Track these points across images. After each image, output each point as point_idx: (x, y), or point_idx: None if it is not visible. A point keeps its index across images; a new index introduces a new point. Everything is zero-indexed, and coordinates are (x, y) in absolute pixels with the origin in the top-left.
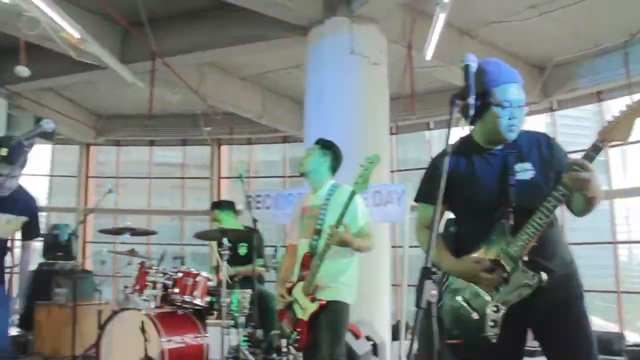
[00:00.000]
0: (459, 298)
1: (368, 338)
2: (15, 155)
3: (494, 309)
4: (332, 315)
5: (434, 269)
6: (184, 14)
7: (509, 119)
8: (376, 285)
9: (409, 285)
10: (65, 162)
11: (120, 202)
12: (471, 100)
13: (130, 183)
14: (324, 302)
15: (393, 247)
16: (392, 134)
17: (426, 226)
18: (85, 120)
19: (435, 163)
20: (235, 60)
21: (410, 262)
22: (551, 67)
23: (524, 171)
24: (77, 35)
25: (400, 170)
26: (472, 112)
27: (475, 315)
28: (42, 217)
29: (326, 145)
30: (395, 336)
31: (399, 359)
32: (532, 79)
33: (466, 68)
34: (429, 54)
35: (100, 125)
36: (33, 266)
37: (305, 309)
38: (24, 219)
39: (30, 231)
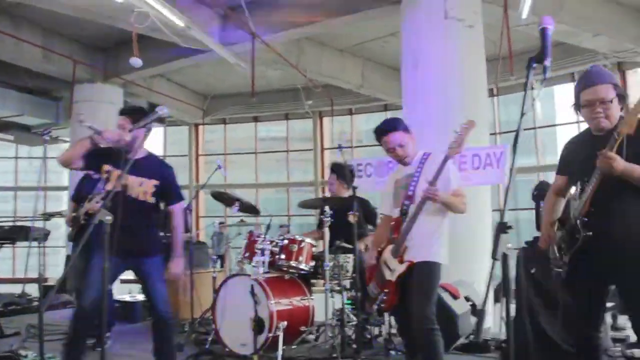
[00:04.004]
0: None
1: (467, 299)
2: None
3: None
4: (421, 276)
5: (509, 224)
6: None
7: (592, 113)
8: (477, 248)
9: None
10: (177, 142)
11: (229, 177)
12: (547, 62)
13: (238, 159)
14: (412, 263)
15: (494, 210)
16: (493, 95)
17: (554, 192)
18: (192, 101)
19: (566, 146)
20: (333, 33)
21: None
22: None
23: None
24: (182, 24)
25: (503, 133)
26: (547, 74)
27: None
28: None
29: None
30: (497, 298)
31: (500, 320)
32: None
33: (543, 31)
34: (525, 12)
35: (206, 105)
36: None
37: (393, 270)
38: (154, 182)
39: (166, 196)
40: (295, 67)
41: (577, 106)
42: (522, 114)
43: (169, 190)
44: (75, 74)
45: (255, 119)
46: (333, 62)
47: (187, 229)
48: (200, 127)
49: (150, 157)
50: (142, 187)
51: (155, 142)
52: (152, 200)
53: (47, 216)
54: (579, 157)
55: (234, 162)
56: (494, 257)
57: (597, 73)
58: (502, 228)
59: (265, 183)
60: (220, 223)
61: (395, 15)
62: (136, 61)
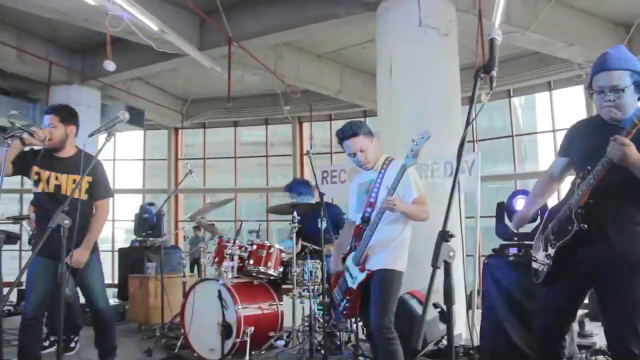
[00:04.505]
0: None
1: (435, 305)
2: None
3: (550, 244)
4: (378, 285)
5: (450, 232)
6: None
7: (603, 101)
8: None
9: (481, 256)
10: (157, 146)
11: (209, 181)
12: (494, 73)
13: (219, 163)
14: (372, 272)
15: (467, 217)
16: (470, 104)
17: (550, 174)
18: (172, 105)
19: (570, 127)
20: (311, 39)
21: (486, 233)
22: (638, 24)
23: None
24: (156, 28)
25: (481, 140)
26: (494, 84)
27: (542, 246)
28: (137, 196)
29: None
30: (470, 305)
31: (471, 327)
32: (616, 38)
33: (492, 42)
34: (497, 22)
35: (186, 109)
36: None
37: (355, 277)
38: (87, 178)
39: (95, 191)
40: (273, 73)
41: (590, 90)
42: (468, 124)
43: (98, 186)
44: (51, 75)
45: (235, 124)
46: (311, 67)
47: (161, 233)
48: (180, 131)
49: (80, 153)
50: (77, 185)
51: (135, 145)
52: (85, 197)
53: (15, 219)
54: (586, 144)
55: (215, 166)
56: (434, 265)
57: (614, 56)
58: (443, 236)
59: (244, 188)
60: (194, 227)
61: (373, 22)
62: (109, 64)
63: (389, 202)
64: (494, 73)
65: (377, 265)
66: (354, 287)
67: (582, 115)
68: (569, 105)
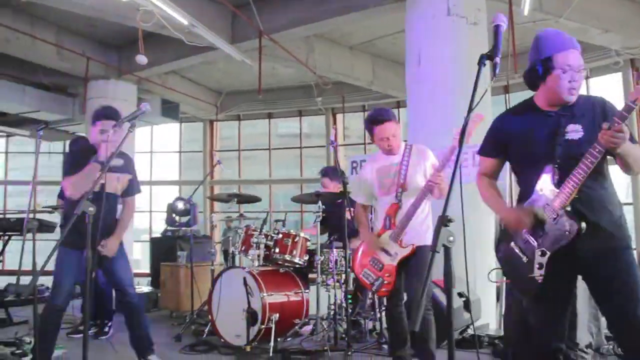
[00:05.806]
0: (512, 243)
1: (460, 294)
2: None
3: (540, 253)
4: (422, 260)
5: (450, 217)
6: None
7: (569, 81)
8: (480, 244)
9: None
10: (193, 139)
11: (245, 172)
12: (498, 60)
13: (256, 154)
14: (416, 246)
15: None
16: (506, 92)
17: (483, 173)
18: (207, 98)
19: (497, 122)
20: (342, 30)
21: None
22: None
23: (575, 132)
24: (185, 22)
25: None
26: (497, 71)
27: (524, 259)
28: (174, 187)
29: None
30: (498, 297)
31: (500, 317)
32: None
33: (496, 29)
34: (526, 10)
35: (220, 102)
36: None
37: (395, 255)
38: (128, 176)
39: (130, 188)
40: (304, 65)
41: (545, 68)
42: (470, 110)
43: (133, 183)
44: (88, 70)
45: (269, 115)
46: (343, 59)
47: (193, 223)
48: (215, 123)
49: (121, 152)
50: (120, 183)
51: (172, 138)
52: (120, 192)
53: (52, 209)
54: (539, 139)
55: (251, 157)
56: (433, 250)
57: (569, 37)
58: (443, 221)
59: (278, 179)
60: (228, 217)
61: (403, 12)
62: (141, 58)
63: (440, 180)
64: (498, 60)
65: (418, 242)
66: (394, 263)
67: (621, 103)
68: (606, 94)
